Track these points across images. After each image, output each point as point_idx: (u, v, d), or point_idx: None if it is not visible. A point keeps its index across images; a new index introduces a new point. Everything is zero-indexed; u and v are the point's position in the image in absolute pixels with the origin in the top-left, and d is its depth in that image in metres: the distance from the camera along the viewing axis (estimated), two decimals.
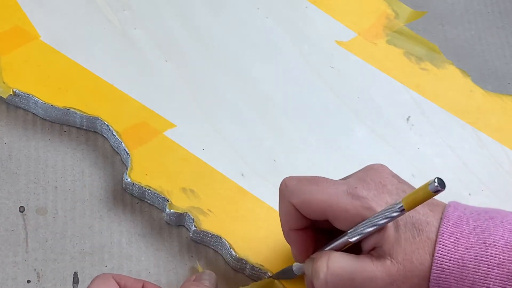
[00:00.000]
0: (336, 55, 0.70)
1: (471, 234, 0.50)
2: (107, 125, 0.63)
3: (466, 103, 0.69)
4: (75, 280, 0.58)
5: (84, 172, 0.63)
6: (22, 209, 0.60)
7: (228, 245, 0.59)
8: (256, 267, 0.58)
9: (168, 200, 0.60)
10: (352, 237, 0.51)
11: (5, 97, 0.64)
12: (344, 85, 0.69)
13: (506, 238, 0.49)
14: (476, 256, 0.49)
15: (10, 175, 0.62)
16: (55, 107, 0.63)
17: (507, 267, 0.48)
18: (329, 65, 0.70)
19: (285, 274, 0.57)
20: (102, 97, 0.65)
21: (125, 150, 0.62)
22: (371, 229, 0.50)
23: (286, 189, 0.53)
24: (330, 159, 0.64)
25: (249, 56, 0.69)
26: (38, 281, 0.58)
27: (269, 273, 0.58)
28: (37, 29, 0.68)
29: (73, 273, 0.58)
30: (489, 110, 0.69)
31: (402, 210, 0.49)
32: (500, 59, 0.73)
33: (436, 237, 0.50)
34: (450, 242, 0.50)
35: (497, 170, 0.65)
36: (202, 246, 0.60)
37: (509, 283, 0.48)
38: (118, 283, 0.52)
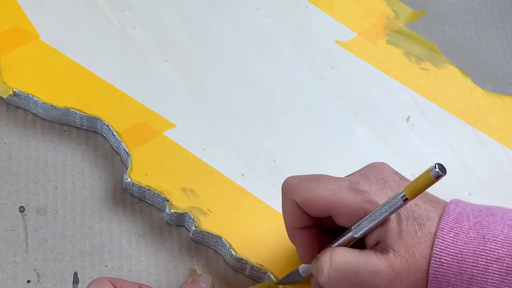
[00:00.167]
0: (336, 55, 0.70)
1: (471, 230, 0.50)
2: (107, 125, 0.63)
3: (466, 103, 0.69)
4: (75, 280, 0.58)
5: (84, 172, 0.63)
6: (22, 209, 0.60)
7: (228, 245, 0.59)
8: (256, 267, 0.58)
9: (168, 200, 0.60)
10: (356, 233, 0.51)
11: (5, 97, 0.64)
12: (344, 85, 0.69)
13: (505, 233, 0.49)
14: (475, 250, 0.49)
15: (10, 175, 0.62)
16: (55, 107, 0.63)
17: (505, 261, 0.49)
18: (329, 65, 0.70)
19: (291, 277, 0.57)
20: (102, 97, 0.65)
21: (125, 150, 0.62)
22: (375, 222, 0.50)
23: (288, 187, 0.53)
24: (330, 159, 0.64)
25: (249, 56, 0.69)
26: (38, 281, 0.58)
27: (269, 273, 0.58)
28: (37, 29, 0.68)
29: (73, 273, 0.58)
30: (489, 110, 0.69)
31: (405, 200, 0.49)
32: (500, 59, 0.73)
33: (436, 231, 0.50)
34: (450, 236, 0.50)
35: (497, 170, 0.65)
36: (202, 246, 0.60)
37: (508, 278, 0.48)
38: (114, 286, 0.52)
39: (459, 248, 0.49)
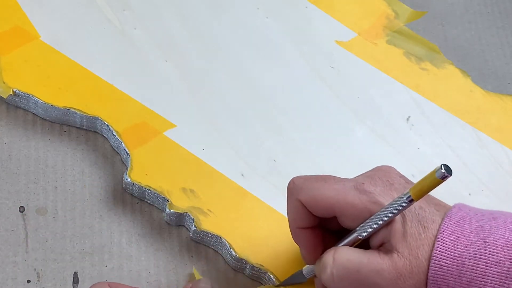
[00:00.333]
0: (336, 55, 0.70)
1: (472, 233, 0.50)
2: (107, 125, 0.63)
3: (466, 103, 0.69)
4: (75, 280, 0.58)
5: (84, 172, 0.63)
6: (22, 209, 0.60)
7: (228, 245, 0.59)
8: (256, 267, 0.58)
9: (168, 200, 0.60)
10: (361, 233, 0.51)
11: (5, 97, 0.64)
12: (344, 85, 0.69)
13: (506, 238, 0.49)
14: (475, 254, 0.49)
15: (10, 175, 0.62)
16: (55, 107, 0.63)
17: (505, 265, 0.48)
18: (329, 65, 0.70)
19: (294, 279, 0.57)
20: (102, 97, 0.65)
21: (125, 150, 0.62)
22: (380, 223, 0.50)
23: (294, 186, 0.53)
24: (330, 159, 0.64)
25: (249, 56, 0.69)
26: (38, 281, 0.58)
27: (269, 273, 0.58)
28: (37, 29, 0.68)
29: (73, 273, 0.58)
30: (489, 110, 0.69)
31: (411, 200, 0.49)
32: (500, 59, 0.73)
33: (437, 234, 0.50)
34: (450, 240, 0.50)
35: (497, 170, 0.65)
36: (202, 246, 0.60)
37: (507, 282, 0.48)
38: None
39: (459, 251, 0.49)
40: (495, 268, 0.49)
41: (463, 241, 0.50)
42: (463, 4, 0.76)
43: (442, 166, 0.47)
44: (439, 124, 0.67)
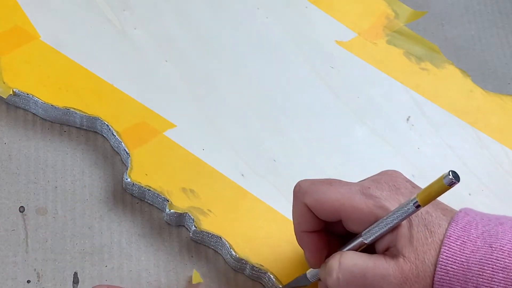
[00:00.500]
0: (336, 55, 0.70)
1: (478, 238, 0.50)
2: (107, 125, 0.63)
3: (466, 103, 0.69)
4: (75, 280, 0.58)
5: (84, 172, 0.63)
6: (22, 209, 0.60)
7: (228, 245, 0.59)
8: (256, 267, 0.58)
9: (168, 200, 0.60)
10: (367, 238, 0.51)
11: (5, 97, 0.64)
12: (344, 85, 0.69)
13: None
14: (481, 259, 0.49)
15: (10, 175, 0.62)
16: (55, 107, 0.63)
17: None
18: (329, 65, 0.70)
19: (298, 282, 0.56)
20: (102, 97, 0.65)
21: (125, 150, 0.62)
22: (386, 228, 0.50)
23: (300, 190, 0.53)
24: (330, 159, 0.64)
25: (249, 56, 0.69)
26: (38, 281, 0.58)
27: (269, 273, 0.58)
28: (37, 29, 0.67)
29: (73, 273, 0.58)
30: (489, 110, 0.69)
31: (418, 206, 0.49)
32: (500, 59, 0.73)
33: (443, 239, 0.50)
34: (457, 245, 0.49)
35: (497, 170, 0.65)
36: (202, 246, 0.60)
37: None
38: None
39: (466, 256, 0.49)
40: (502, 273, 0.48)
41: (470, 246, 0.49)
42: (463, 4, 0.76)
43: (450, 173, 0.47)
44: (439, 124, 0.67)
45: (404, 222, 0.50)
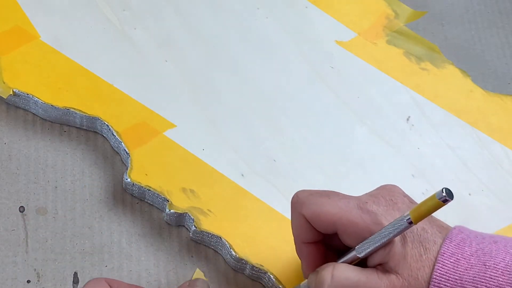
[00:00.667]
0: (336, 55, 0.70)
1: (472, 256, 0.49)
2: (107, 125, 0.63)
3: (466, 103, 0.69)
4: (75, 280, 0.58)
5: (84, 172, 0.63)
6: (22, 209, 0.60)
7: (228, 245, 0.59)
8: (256, 267, 0.58)
9: (168, 200, 0.60)
10: (360, 252, 0.51)
11: (5, 97, 0.64)
12: (344, 85, 0.69)
13: (507, 262, 0.49)
14: (475, 277, 0.49)
15: (10, 175, 0.62)
16: (55, 107, 0.63)
17: None
18: (329, 65, 0.70)
19: None
20: (102, 97, 0.65)
21: (125, 150, 0.62)
22: (379, 243, 0.50)
23: (298, 200, 0.53)
24: (330, 159, 0.64)
25: (249, 56, 0.69)
26: (38, 281, 0.58)
27: (269, 273, 0.58)
28: (37, 29, 0.67)
29: (73, 273, 0.58)
30: (489, 110, 0.69)
31: (410, 223, 0.49)
32: (500, 59, 0.73)
33: (437, 256, 0.50)
34: (450, 262, 0.49)
35: (497, 170, 0.65)
36: (202, 246, 0.60)
37: None
38: (110, 286, 0.52)
39: (459, 274, 0.49)
40: None
41: (464, 263, 0.49)
42: (463, 4, 0.76)
43: (444, 190, 0.47)
44: (439, 124, 0.67)
45: (398, 239, 0.50)
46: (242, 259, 0.59)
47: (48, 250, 0.59)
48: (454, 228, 0.52)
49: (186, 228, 0.61)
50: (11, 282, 0.57)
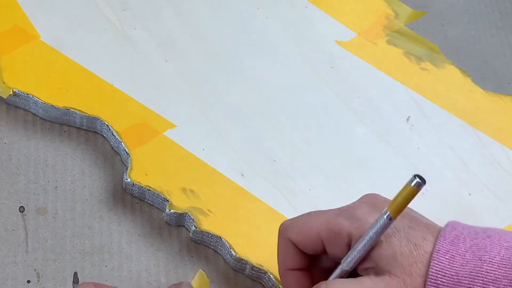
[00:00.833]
0: (336, 55, 0.70)
1: (467, 252, 0.50)
2: (107, 125, 0.63)
3: (466, 103, 0.69)
4: (75, 280, 0.58)
5: (84, 172, 0.63)
6: (22, 209, 0.60)
7: (228, 245, 0.59)
8: (256, 267, 0.58)
9: (168, 200, 0.60)
10: (347, 265, 0.51)
11: (5, 97, 0.64)
12: (344, 85, 0.69)
13: (502, 255, 0.49)
14: (471, 272, 0.49)
15: (10, 175, 0.62)
16: (55, 107, 0.63)
17: (502, 283, 0.48)
18: (329, 65, 0.70)
19: None
20: (102, 97, 0.65)
21: (125, 150, 0.62)
22: (365, 249, 0.50)
23: (282, 227, 0.54)
24: (330, 159, 0.64)
25: (249, 56, 0.69)
26: (38, 281, 0.58)
27: (268, 273, 0.58)
28: (37, 29, 0.68)
29: (73, 273, 0.58)
30: (489, 110, 0.69)
31: (390, 219, 0.49)
32: (500, 59, 0.73)
33: (432, 252, 0.50)
34: (446, 259, 0.49)
35: (497, 170, 0.65)
36: (202, 246, 0.60)
37: None
38: None
39: (455, 270, 0.49)
40: (492, 286, 0.48)
41: (459, 259, 0.49)
42: (463, 4, 0.76)
43: (415, 176, 0.47)
44: (439, 124, 0.67)
45: (384, 239, 0.50)
46: (242, 259, 0.59)
47: (48, 250, 0.59)
48: (447, 225, 0.52)
49: (186, 228, 0.61)
50: (11, 282, 0.57)
